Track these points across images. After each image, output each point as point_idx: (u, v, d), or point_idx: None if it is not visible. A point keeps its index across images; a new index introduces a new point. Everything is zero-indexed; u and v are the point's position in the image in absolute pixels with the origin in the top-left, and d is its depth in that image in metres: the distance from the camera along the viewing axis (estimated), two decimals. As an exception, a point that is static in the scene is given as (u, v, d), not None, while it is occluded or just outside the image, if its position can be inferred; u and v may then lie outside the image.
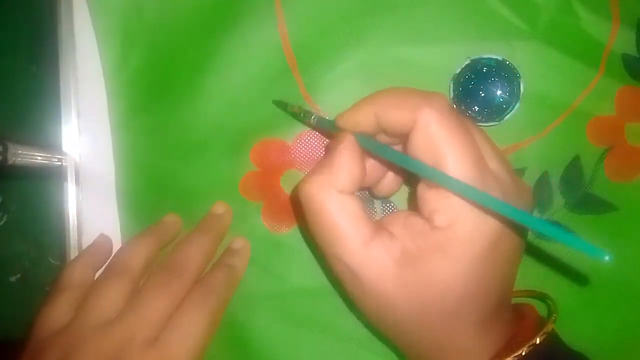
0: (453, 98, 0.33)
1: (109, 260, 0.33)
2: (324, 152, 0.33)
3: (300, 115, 0.32)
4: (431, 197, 0.24)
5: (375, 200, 0.33)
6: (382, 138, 0.27)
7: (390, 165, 0.29)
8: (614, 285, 0.33)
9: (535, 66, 0.32)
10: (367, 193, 0.33)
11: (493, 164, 0.25)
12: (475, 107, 0.32)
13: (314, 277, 0.34)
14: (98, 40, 0.34)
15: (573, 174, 0.33)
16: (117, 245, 0.35)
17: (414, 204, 0.26)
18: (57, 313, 0.30)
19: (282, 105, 0.33)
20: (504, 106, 0.32)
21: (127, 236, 0.35)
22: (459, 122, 0.24)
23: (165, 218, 0.34)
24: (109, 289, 0.30)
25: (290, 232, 0.34)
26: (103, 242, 0.35)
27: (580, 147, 0.33)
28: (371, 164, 0.28)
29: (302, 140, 0.34)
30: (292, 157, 0.34)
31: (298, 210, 0.33)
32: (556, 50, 0.32)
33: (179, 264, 0.31)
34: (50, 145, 0.35)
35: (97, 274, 0.33)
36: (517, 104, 0.32)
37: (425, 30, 0.32)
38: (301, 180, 0.26)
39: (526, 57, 0.32)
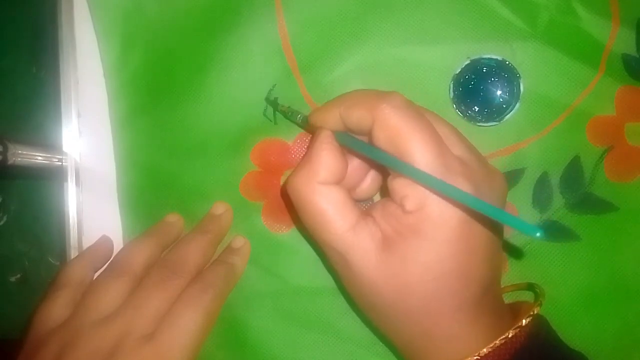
0: (453, 98, 0.33)
1: (110, 260, 0.33)
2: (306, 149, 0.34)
3: (289, 115, 0.32)
4: (399, 185, 0.25)
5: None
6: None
7: (368, 169, 0.30)
8: (614, 286, 0.33)
9: (535, 66, 0.32)
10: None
11: (458, 150, 0.26)
12: (475, 107, 0.32)
13: (314, 277, 0.34)
14: (98, 40, 0.34)
15: (573, 174, 0.33)
16: (118, 245, 0.35)
17: (386, 192, 0.27)
18: (55, 310, 0.30)
19: (273, 104, 0.33)
20: (504, 106, 0.32)
21: (129, 236, 0.35)
22: (416, 114, 0.25)
23: (167, 218, 0.34)
24: (108, 287, 0.30)
25: (290, 232, 0.34)
26: (104, 242, 0.35)
27: (580, 147, 0.33)
28: (351, 168, 0.29)
29: (302, 140, 0.34)
30: (293, 157, 0.34)
31: (288, 209, 0.34)
32: (556, 50, 0.32)
33: (176, 262, 0.32)
34: (51, 145, 0.35)
35: (97, 274, 0.33)
36: (517, 104, 0.32)
37: (425, 30, 0.32)
38: (287, 178, 0.28)
39: (526, 57, 0.32)
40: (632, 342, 0.33)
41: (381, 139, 0.25)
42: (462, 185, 0.24)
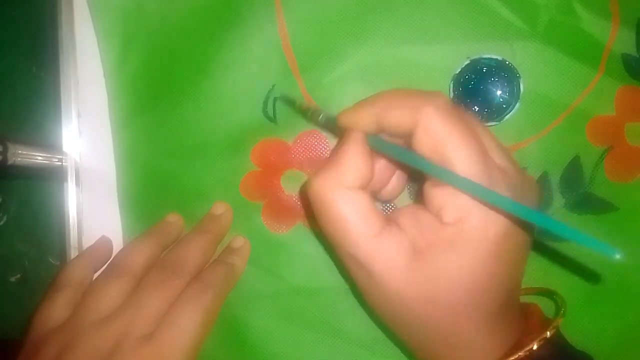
0: (453, 98, 0.33)
1: (110, 260, 0.33)
2: (330, 150, 0.33)
3: (308, 114, 0.31)
4: (438, 194, 0.24)
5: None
6: (384, 137, 0.27)
7: (394, 170, 0.29)
8: (614, 285, 0.33)
9: (535, 66, 0.32)
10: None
11: (498, 159, 0.25)
12: (475, 107, 0.32)
13: (314, 277, 0.34)
14: (98, 40, 0.34)
15: (573, 174, 0.33)
16: (118, 245, 0.35)
17: (420, 199, 0.26)
18: (55, 310, 0.30)
19: (289, 102, 0.33)
20: (504, 106, 0.32)
21: (129, 236, 0.35)
22: (462, 119, 0.24)
23: (167, 218, 0.34)
24: (108, 288, 0.30)
25: (290, 232, 0.34)
26: (104, 243, 0.35)
27: (580, 147, 0.33)
28: (377, 169, 0.28)
29: (303, 140, 0.34)
30: (293, 157, 0.34)
31: (305, 208, 0.33)
32: (556, 50, 0.32)
33: (176, 262, 0.32)
34: (51, 145, 0.35)
35: (97, 274, 0.33)
36: (517, 104, 0.32)
37: (425, 30, 0.32)
38: (309, 178, 0.26)
39: (526, 57, 0.32)
40: (632, 342, 0.33)
41: (424, 143, 0.24)
42: (505, 195, 0.23)
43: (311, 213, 0.27)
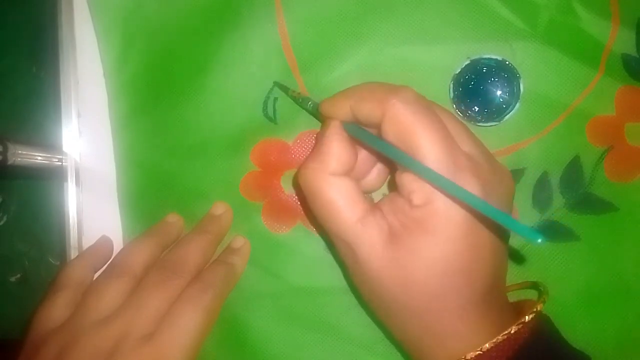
0: (453, 98, 0.33)
1: (110, 261, 0.33)
2: (315, 139, 0.34)
3: (299, 100, 0.32)
4: (407, 180, 0.25)
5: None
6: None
7: (375, 161, 0.30)
8: (614, 286, 0.33)
9: (535, 66, 0.32)
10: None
11: (467, 147, 0.26)
12: (475, 107, 0.32)
13: (314, 277, 0.34)
14: (98, 40, 0.34)
15: (573, 174, 0.33)
16: (118, 245, 0.35)
17: (395, 186, 0.27)
18: (55, 311, 0.30)
19: (283, 88, 0.33)
20: (504, 106, 0.32)
21: (129, 236, 0.35)
22: (427, 109, 0.25)
23: (167, 218, 0.34)
24: (108, 288, 0.30)
25: (290, 232, 0.34)
26: (104, 243, 0.35)
27: (580, 147, 0.33)
28: (358, 159, 0.29)
29: (302, 140, 0.34)
30: (292, 157, 0.34)
31: (304, 208, 0.34)
32: (556, 50, 0.32)
33: (176, 262, 0.32)
34: (51, 145, 0.35)
35: (97, 275, 0.33)
36: (517, 104, 0.32)
37: (425, 30, 0.32)
38: (299, 168, 0.28)
39: (526, 57, 0.32)
40: (632, 342, 0.33)
41: (390, 133, 0.25)
42: (470, 182, 0.24)
43: (310, 211, 0.28)
